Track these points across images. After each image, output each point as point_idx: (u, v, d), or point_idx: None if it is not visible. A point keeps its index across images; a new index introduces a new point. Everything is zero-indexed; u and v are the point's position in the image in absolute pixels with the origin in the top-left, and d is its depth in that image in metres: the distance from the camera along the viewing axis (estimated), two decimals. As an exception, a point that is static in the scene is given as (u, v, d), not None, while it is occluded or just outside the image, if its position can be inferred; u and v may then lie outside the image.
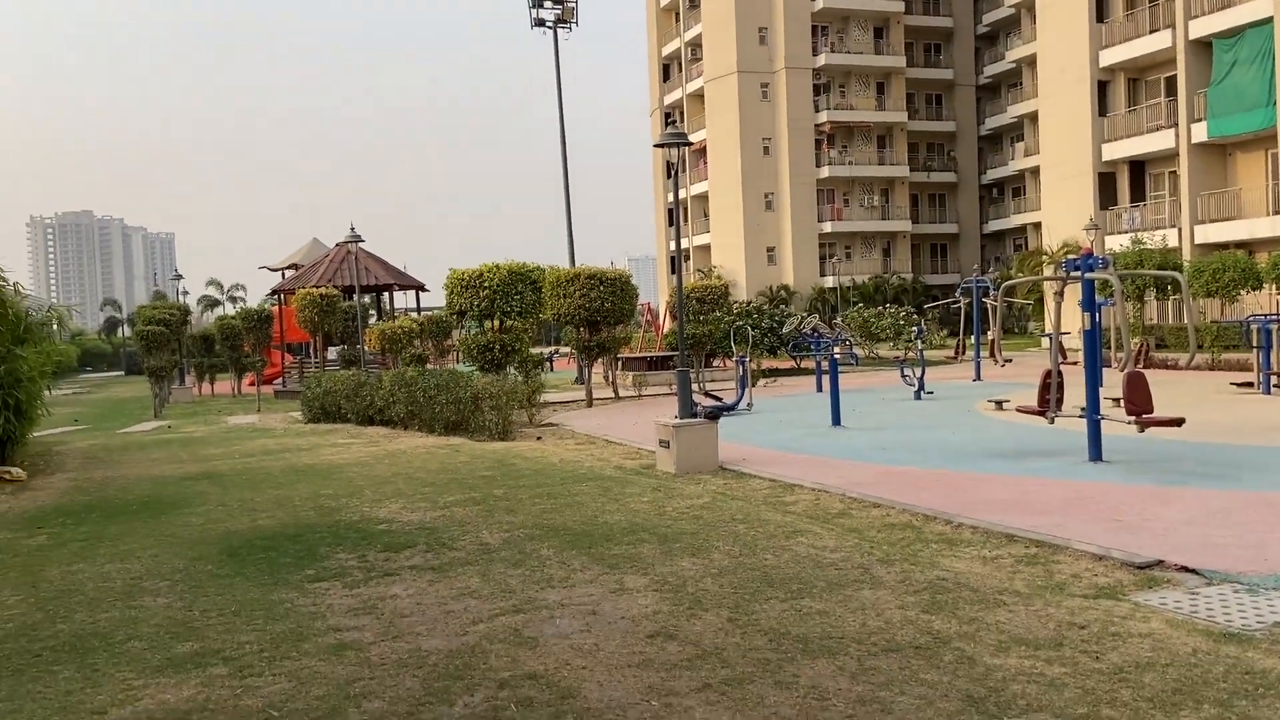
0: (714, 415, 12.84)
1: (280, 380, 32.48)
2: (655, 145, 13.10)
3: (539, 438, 16.57)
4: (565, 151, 32.68)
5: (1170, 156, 36.54)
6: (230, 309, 59.19)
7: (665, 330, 34.25)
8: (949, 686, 4.81)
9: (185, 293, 42.66)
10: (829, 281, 55.93)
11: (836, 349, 19.80)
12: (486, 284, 19.75)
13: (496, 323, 20.35)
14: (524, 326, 22.00)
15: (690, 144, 13.21)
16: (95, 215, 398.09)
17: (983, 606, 6.05)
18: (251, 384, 33.16)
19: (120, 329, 78.37)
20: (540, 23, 35.46)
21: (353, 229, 21.28)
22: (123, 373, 66.57)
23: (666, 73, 66.61)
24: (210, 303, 56.77)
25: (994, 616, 5.85)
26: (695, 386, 22.61)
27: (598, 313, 22.28)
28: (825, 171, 56.38)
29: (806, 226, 56.28)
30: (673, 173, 12.99)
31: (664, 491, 10.66)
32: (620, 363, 29.83)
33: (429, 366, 24.42)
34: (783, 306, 44.93)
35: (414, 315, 29.50)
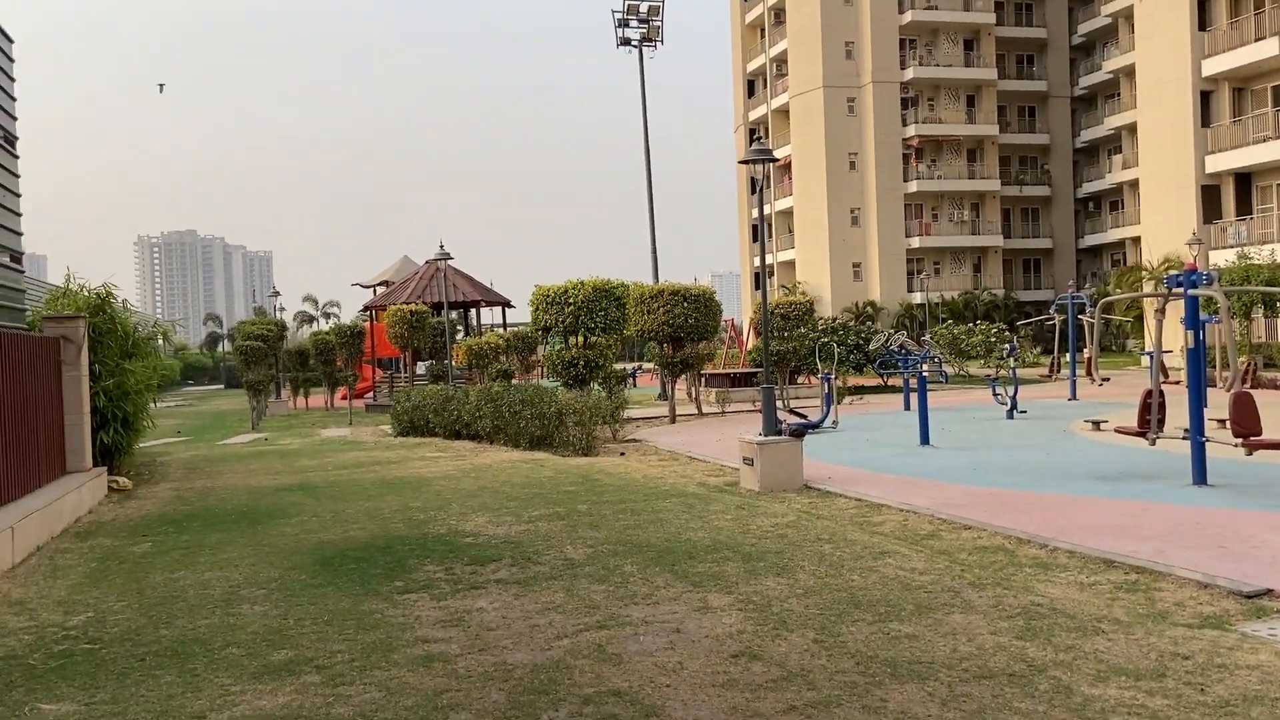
0: (799, 433, 12.71)
1: (371, 394, 33.26)
2: (740, 162, 12.99)
3: (622, 453, 16.64)
4: (650, 168, 32.84)
5: (1278, 168, 35.06)
6: (324, 325, 60.98)
7: (749, 346, 34.08)
8: (1044, 716, 4.67)
9: (282, 309, 44.08)
10: (917, 298, 55.01)
11: (924, 366, 19.44)
12: (571, 300, 19.94)
13: (581, 339, 20.51)
14: (608, 343, 22.14)
15: (775, 160, 13.17)
16: (199, 234, 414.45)
17: (1080, 634, 5.85)
18: (344, 398, 34.01)
19: (221, 344, 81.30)
20: (626, 42, 35.75)
21: (441, 246, 21.73)
22: (223, 386, 68.89)
23: (751, 89, 66.59)
24: (306, 318, 58.58)
25: (1092, 645, 5.65)
26: (779, 404, 22.46)
27: (681, 329, 22.29)
28: (913, 186, 55.58)
29: (893, 242, 55.51)
30: (757, 189, 12.96)
31: (748, 509, 10.59)
32: (704, 379, 29.80)
33: (515, 382, 24.74)
34: (869, 323, 44.32)
35: (500, 331, 29.94)
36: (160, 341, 16.50)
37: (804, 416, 19.26)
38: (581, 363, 20.13)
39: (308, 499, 12.55)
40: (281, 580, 8.05)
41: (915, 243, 55.84)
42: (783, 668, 5.49)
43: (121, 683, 5.63)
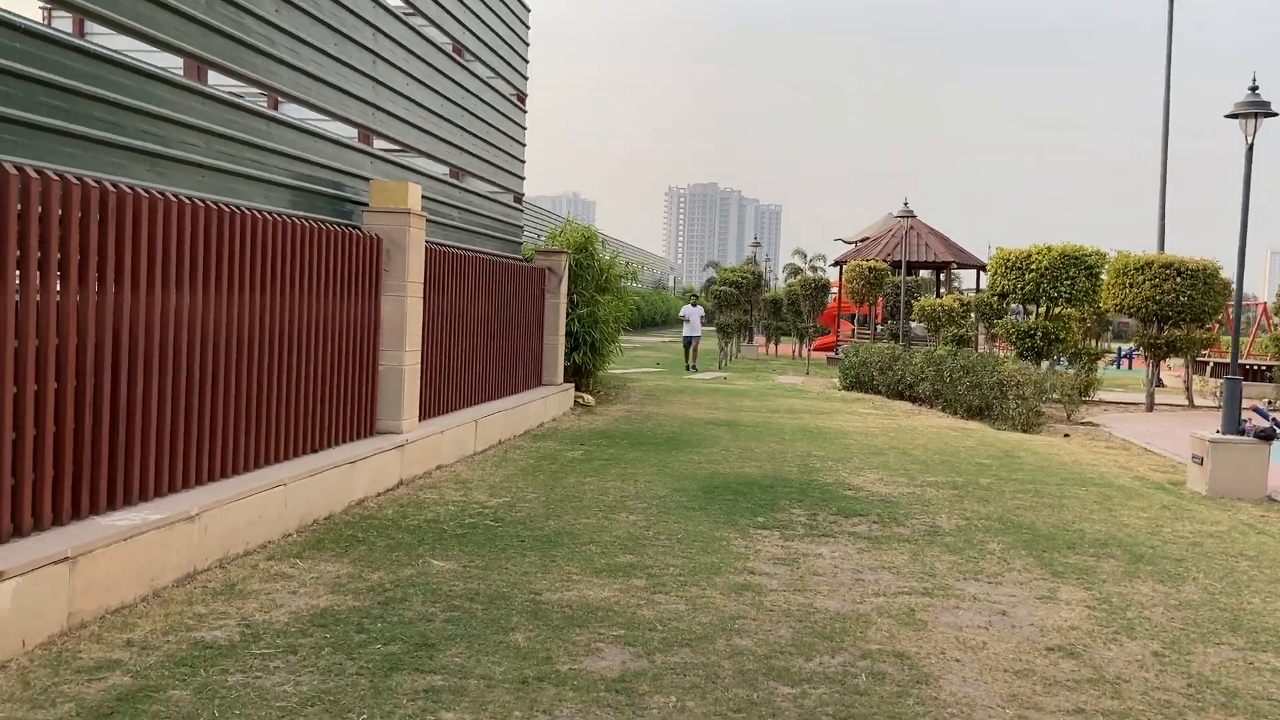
0: (1268, 436, 10.89)
1: (836, 349, 33.93)
2: (1228, 116, 11.13)
3: (1066, 435, 15.45)
4: (1167, 122, 29.16)
5: None
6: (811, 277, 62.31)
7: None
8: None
9: (767, 259, 46.25)
10: None
11: None
12: (1033, 266, 18.66)
13: (1043, 309, 19.15)
14: (1079, 315, 20.42)
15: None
16: (719, 187, 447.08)
17: None
18: (818, 348, 35.11)
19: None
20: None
21: (905, 204, 21.43)
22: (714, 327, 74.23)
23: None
24: (794, 270, 60.79)
25: None
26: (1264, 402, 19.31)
27: (1170, 307, 19.84)
28: None
29: None
30: (1248, 151, 11.11)
31: (1174, 511, 9.43)
32: (1208, 367, 26.34)
33: (983, 350, 23.78)
34: None
35: (962, 294, 28.84)
36: (632, 281, 18.37)
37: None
38: (1039, 334, 18.82)
39: (727, 434, 13.42)
40: (664, 499, 8.85)
41: None
42: (1096, 671, 5.02)
43: (497, 555, 6.71)
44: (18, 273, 4.98)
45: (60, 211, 5.26)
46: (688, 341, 27.52)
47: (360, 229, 8.88)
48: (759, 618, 5.63)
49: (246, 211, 7.02)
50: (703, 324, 28.42)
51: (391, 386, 9.07)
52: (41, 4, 8.85)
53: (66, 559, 4.82)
